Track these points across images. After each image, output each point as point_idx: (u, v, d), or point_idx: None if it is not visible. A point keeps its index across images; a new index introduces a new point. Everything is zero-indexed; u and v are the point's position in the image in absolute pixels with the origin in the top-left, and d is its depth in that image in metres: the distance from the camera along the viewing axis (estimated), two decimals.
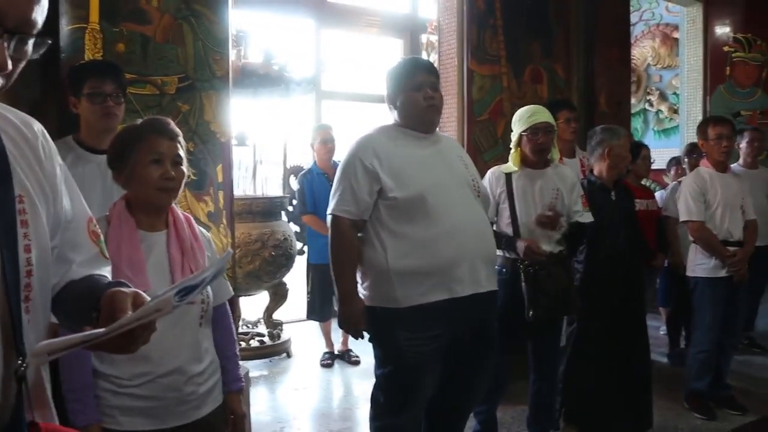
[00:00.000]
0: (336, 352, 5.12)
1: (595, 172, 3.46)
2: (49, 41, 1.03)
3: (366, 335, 2.52)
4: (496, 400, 3.28)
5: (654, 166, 5.25)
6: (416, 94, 2.46)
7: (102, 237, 1.26)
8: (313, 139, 5.04)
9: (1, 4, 0.89)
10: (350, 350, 5.10)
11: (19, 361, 0.97)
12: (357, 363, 4.99)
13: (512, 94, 4.40)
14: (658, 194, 5.03)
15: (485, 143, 4.22)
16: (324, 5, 6.54)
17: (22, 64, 0.96)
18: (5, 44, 0.90)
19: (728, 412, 3.86)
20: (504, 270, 3.07)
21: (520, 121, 3.15)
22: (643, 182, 5.01)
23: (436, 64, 4.30)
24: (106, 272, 1.23)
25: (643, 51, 7.38)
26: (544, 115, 3.12)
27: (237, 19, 4.95)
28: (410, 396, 2.43)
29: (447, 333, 2.41)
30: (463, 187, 2.49)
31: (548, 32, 4.66)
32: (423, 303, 2.36)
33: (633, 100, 6.74)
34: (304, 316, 5.25)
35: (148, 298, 1.01)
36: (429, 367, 2.42)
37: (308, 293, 5.10)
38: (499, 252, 3.15)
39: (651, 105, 7.34)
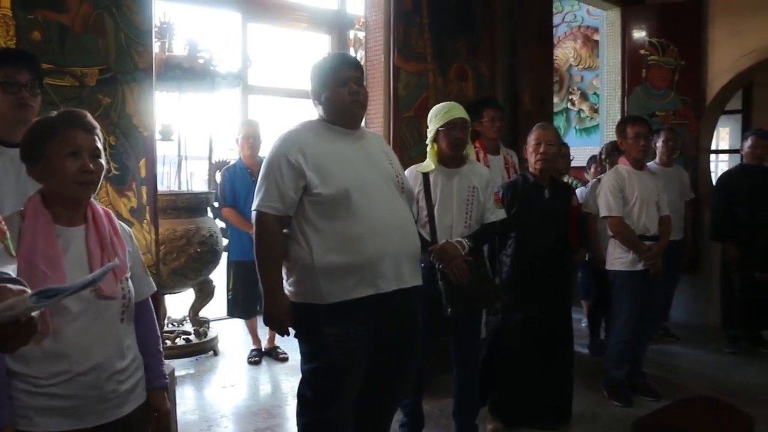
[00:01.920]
0: (263, 349, 5.08)
1: (530, 168, 3.56)
2: None
3: (292, 331, 2.51)
4: (421, 392, 3.33)
5: (575, 164, 5.42)
6: (341, 89, 2.45)
7: (8, 234, 1.22)
8: (238, 133, 4.99)
9: None
10: (277, 347, 5.07)
11: None
12: (285, 360, 4.97)
13: (438, 92, 4.46)
14: (578, 191, 5.19)
15: (411, 140, 4.26)
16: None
17: None
18: None
19: (644, 399, 4.04)
20: (423, 265, 3.12)
21: (436, 117, 3.19)
22: (565, 179, 5.16)
23: (363, 61, 4.32)
24: (10, 270, 1.19)
25: (565, 52, 7.60)
26: (459, 111, 3.17)
27: (161, 10, 4.85)
28: (337, 391, 2.44)
29: (372, 328, 2.42)
30: (388, 184, 2.50)
31: (474, 31, 4.74)
32: (348, 299, 2.36)
33: (555, 99, 6.94)
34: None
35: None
36: (355, 361, 2.43)
37: (228, 290, 5.04)
38: None
39: (573, 104, 7.57)
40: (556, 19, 6.85)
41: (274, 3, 6.57)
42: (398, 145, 4.12)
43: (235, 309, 5.04)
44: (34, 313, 0.95)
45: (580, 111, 7.51)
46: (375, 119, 4.30)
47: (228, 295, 5.06)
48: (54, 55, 2.74)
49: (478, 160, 4.02)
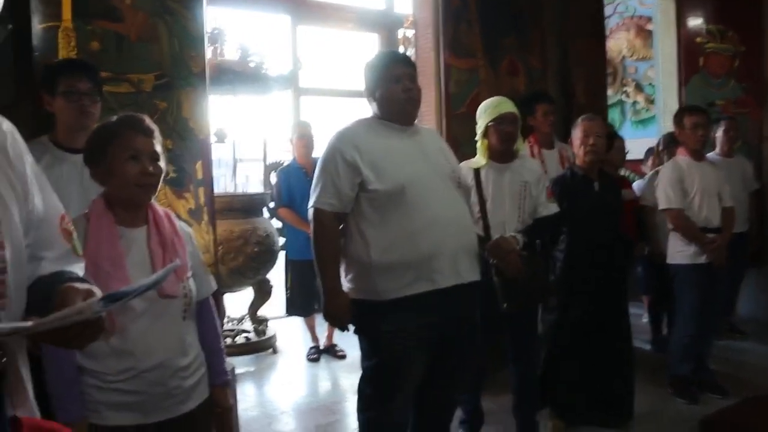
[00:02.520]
0: (321, 347, 5.12)
1: (578, 161, 3.50)
2: (9, 26, 1.03)
3: (351, 327, 2.53)
4: (480, 388, 3.31)
5: (632, 156, 5.30)
6: (395, 86, 2.46)
7: (75, 234, 1.26)
8: (292, 134, 5.07)
9: None
10: (335, 345, 5.11)
11: None
12: (343, 357, 5.00)
13: (489, 87, 4.42)
14: (635, 184, 5.07)
15: (463, 136, 4.23)
16: (300, 2, 6.52)
17: None
18: None
19: (710, 396, 3.91)
20: None
21: (485, 112, 3.16)
22: (621, 172, 5.06)
23: (413, 59, 4.32)
24: (78, 269, 1.23)
25: (618, 43, 7.43)
26: (508, 105, 3.13)
27: (212, 16, 4.94)
28: (396, 387, 2.44)
29: (430, 324, 2.41)
30: (443, 179, 2.49)
31: (523, 25, 4.68)
32: (405, 295, 2.36)
33: (609, 92, 6.78)
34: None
35: (100, 294, 1.01)
36: (414, 358, 2.43)
37: (287, 289, 5.10)
38: None
39: (627, 96, 7.40)
40: (608, 10, 6.70)
41: (322, 4, 6.61)
42: (451, 142, 4.06)
43: (294, 307, 5.09)
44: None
45: (635, 103, 7.33)
46: (427, 116, 4.30)
47: (286, 294, 5.12)
48: (111, 64, 2.82)
49: (533, 155, 3.98)
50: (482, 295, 2.69)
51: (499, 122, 3.09)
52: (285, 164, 5.11)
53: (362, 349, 2.54)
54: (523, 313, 3.15)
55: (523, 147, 3.33)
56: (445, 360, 2.53)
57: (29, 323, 0.86)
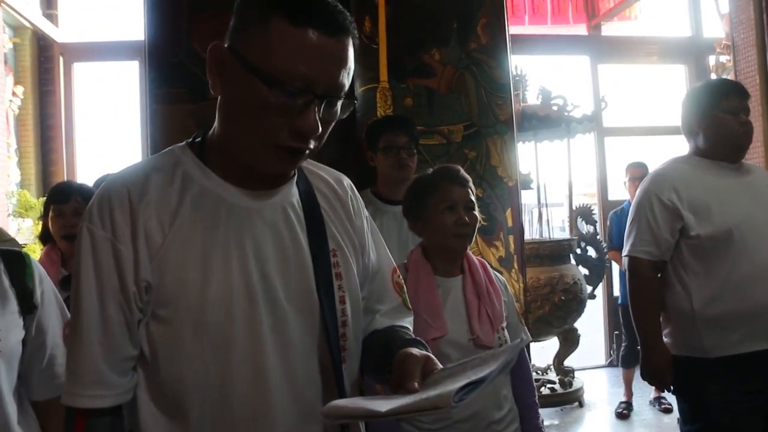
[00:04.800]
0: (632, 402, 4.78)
1: None
2: (356, 101, 1.08)
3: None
4: None
5: None
6: (729, 117, 2.20)
7: (404, 287, 1.28)
8: (626, 176, 4.95)
9: (314, 73, 0.93)
10: (663, 397, 4.74)
11: None
12: (668, 411, 4.59)
13: None
14: None
15: None
16: (599, 40, 6.37)
17: (331, 126, 1.01)
18: (315, 108, 0.94)
19: None
20: None
21: None
22: None
23: None
24: (408, 323, 1.25)
25: None
26: None
27: (513, 64, 5.02)
28: None
29: (759, 388, 2.08)
30: None
31: None
32: (737, 353, 2.08)
33: None
34: (596, 362, 4.99)
35: (439, 366, 0.99)
36: (744, 427, 2.11)
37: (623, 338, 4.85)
38: None
39: None
40: None
41: (622, 40, 6.41)
42: None
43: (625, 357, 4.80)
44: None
45: None
46: (754, 149, 3.83)
47: (624, 342, 4.87)
48: (424, 117, 2.97)
49: None
50: None
51: None
52: (619, 207, 4.98)
53: (681, 411, 2.28)
54: None
55: None
56: None
57: (382, 411, 0.87)
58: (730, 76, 4.45)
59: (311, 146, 0.98)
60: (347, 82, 0.99)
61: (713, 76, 6.14)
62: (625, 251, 2.32)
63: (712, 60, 6.33)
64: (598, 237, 5.15)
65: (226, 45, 0.97)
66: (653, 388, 4.70)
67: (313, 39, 0.93)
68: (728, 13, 4.46)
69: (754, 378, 2.08)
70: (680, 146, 2.39)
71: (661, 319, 2.29)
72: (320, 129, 0.96)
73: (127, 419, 1.01)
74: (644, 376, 2.34)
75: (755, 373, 2.08)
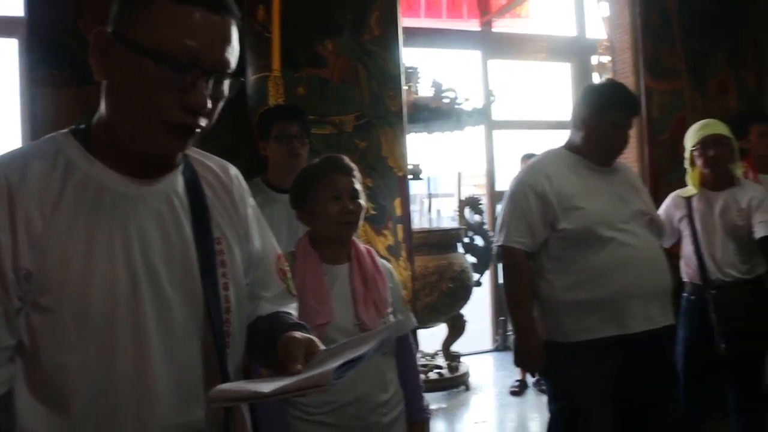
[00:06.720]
0: (526, 381, 4.99)
1: None
2: (243, 80, 1.10)
3: None
4: None
5: None
6: (612, 130, 2.32)
7: (289, 274, 1.31)
8: (520, 167, 5.03)
9: (201, 48, 0.95)
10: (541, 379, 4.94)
11: None
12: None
13: (695, 110, 4.10)
14: None
15: (668, 164, 3.96)
16: (490, 36, 6.55)
17: (219, 104, 1.02)
18: (204, 84, 0.96)
19: None
20: (692, 297, 2.86)
21: (690, 137, 2.97)
22: None
23: None
24: (292, 309, 1.27)
25: None
26: (715, 127, 2.91)
27: (406, 56, 5.09)
28: None
29: (616, 372, 2.25)
30: (636, 218, 2.33)
31: (735, 38, 4.30)
32: (592, 338, 2.22)
33: None
34: (483, 347, 5.17)
35: (322, 347, 1.03)
36: (601, 407, 2.27)
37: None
38: (686, 278, 2.98)
39: None
40: None
41: (512, 37, 6.60)
42: (654, 171, 3.86)
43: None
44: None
45: None
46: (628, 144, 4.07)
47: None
48: (316, 107, 2.99)
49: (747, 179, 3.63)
50: (695, 333, 2.44)
51: (703, 146, 2.89)
52: None
53: (548, 391, 2.44)
54: (746, 355, 2.84)
55: (739, 171, 3.02)
56: (637, 416, 2.32)
57: (266, 391, 0.90)
58: (610, 76, 4.69)
59: (202, 123, 0.99)
60: (233, 61, 1.01)
61: (596, 75, 6.45)
62: (499, 241, 2.38)
63: (595, 60, 6.65)
64: (484, 226, 5.31)
65: (110, 30, 0.97)
66: None
67: (198, 16, 0.95)
68: (608, 16, 4.68)
69: (607, 362, 2.23)
70: (564, 140, 2.50)
71: None
72: (210, 105, 0.97)
73: (1, 417, 0.98)
74: (517, 361, 2.45)
75: (608, 357, 2.22)
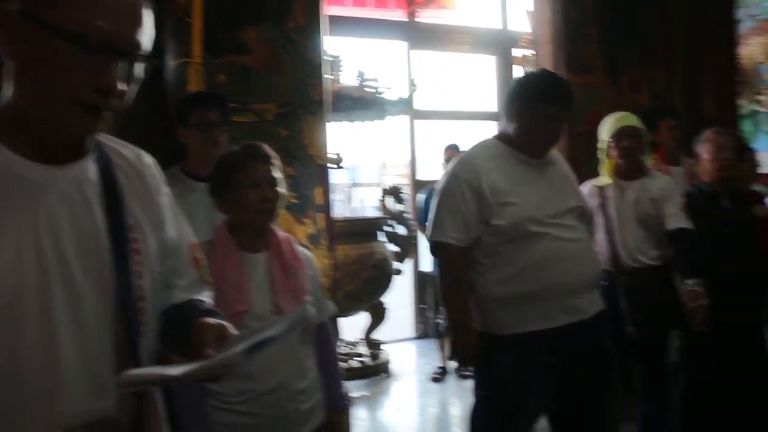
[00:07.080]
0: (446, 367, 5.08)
1: (705, 178, 3.29)
2: (157, 62, 1.10)
3: None
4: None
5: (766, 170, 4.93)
6: (543, 124, 2.28)
7: (203, 263, 1.30)
8: (444, 157, 5.13)
9: (112, 28, 0.95)
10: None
11: None
12: (468, 377, 4.89)
13: (610, 104, 4.26)
14: None
15: (585, 154, 4.11)
16: (416, 26, 6.60)
17: (135, 87, 1.02)
18: (115, 65, 0.96)
19: None
20: (604, 283, 2.97)
21: (605, 129, 3.09)
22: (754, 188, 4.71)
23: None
24: (206, 297, 1.28)
25: (751, 49, 6.97)
26: (625, 120, 3.05)
27: (330, 45, 5.08)
28: (510, 424, 2.31)
29: (551, 364, 2.25)
30: (568, 211, 2.33)
31: (646, 37, 4.50)
32: (524, 331, 2.23)
33: (741, 102, 6.37)
34: (404, 335, 5.23)
35: (234, 332, 1.05)
36: (530, 398, 2.28)
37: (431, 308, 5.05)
38: None
39: (761, 106, 6.93)
40: (740, 14, 6.31)
41: (436, 28, 6.65)
42: (572, 162, 3.97)
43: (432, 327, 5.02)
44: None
45: None
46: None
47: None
48: (238, 95, 2.96)
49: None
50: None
51: (618, 138, 3.02)
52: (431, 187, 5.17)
53: (477, 378, 2.41)
54: (652, 339, 2.98)
55: (650, 163, 3.17)
56: (577, 407, 2.34)
57: (175, 374, 0.90)
58: (533, 69, 4.80)
59: (113, 104, 0.99)
60: (146, 43, 1.01)
61: (519, 68, 6.59)
62: (433, 236, 2.33)
63: (518, 53, 6.78)
64: (406, 215, 5.36)
65: (15, 8, 0.94)
66: None
67: None
68: (532, 11, 4.78)
69: (540, 353, 2.22)
70: (487, 131, 2.51)
71: None
72: (122, 87, 0.97)
73: None
74: (454, 356, 2.45)
75: (541, 348, 2.22)
